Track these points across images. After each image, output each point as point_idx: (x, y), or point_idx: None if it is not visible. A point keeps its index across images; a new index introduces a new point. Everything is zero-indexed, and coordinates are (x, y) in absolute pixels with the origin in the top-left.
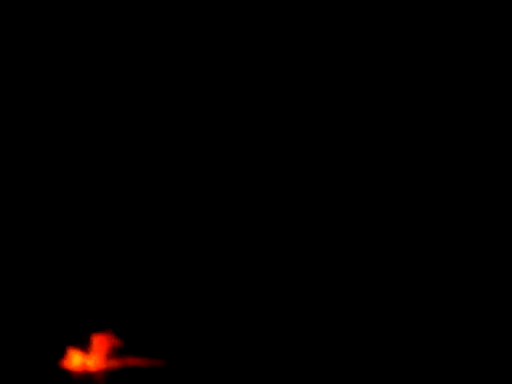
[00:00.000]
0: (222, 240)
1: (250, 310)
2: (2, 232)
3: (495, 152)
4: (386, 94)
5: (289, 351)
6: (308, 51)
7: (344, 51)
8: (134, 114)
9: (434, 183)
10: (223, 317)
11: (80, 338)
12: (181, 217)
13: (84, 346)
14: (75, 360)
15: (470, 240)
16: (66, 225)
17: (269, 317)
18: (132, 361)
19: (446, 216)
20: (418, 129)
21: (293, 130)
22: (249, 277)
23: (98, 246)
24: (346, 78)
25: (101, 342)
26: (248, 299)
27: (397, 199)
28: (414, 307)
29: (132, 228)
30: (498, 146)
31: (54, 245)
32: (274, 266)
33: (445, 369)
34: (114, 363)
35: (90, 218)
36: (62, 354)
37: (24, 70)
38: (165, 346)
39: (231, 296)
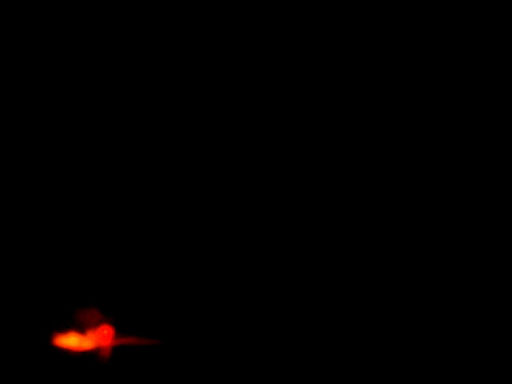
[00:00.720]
0: (222, 238)
1: (249, 299)
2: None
3: (495, 152)
4: (386, 94)
5: (287, 349)
6: (308, 51)
7: (344, 51)
8: (133, 114)
9: (434, 183)
10: (221, 300)
11: (74, 318)
12: (181, 215)
13: (79, 325)
14: (70, 340)
15: (470, 240)
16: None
17: (266, 311)
18: (128, 340)
19: (446, 216)
20: (417, 129)
21: (293, 130)
22: (248, 274)
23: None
24: (346, 78)
25: (96, 322)
26: (247, 291)
27: (397, 199)
28: (414, 307)
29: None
30: (498, 146)
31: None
32: (274, 266)
33: (445, 369)
34: (110, 342)
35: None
36: (56, 334)
37: (24, 70)
38: (161, 325)
39: (231, 283)
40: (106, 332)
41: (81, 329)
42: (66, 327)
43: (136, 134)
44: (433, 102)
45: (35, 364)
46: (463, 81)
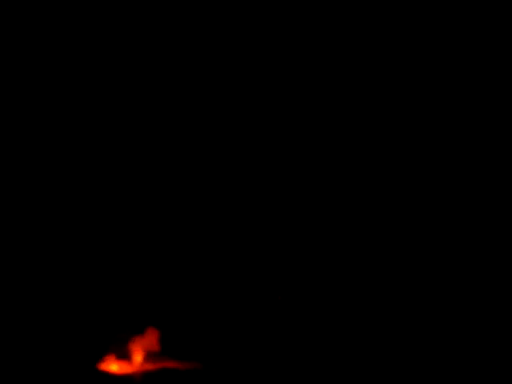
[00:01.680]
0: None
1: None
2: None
3: (495, 152)
4: (386, 94)
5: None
6: (308, 51)
7: (344, 51)
8: (133, 114)
9: (434, 183)
10: (255, 323)
11: (118, 341)
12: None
13: (122, 349)
14: (113, 363)
15: (470, 240)
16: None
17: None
18: (169, 363)
19: (446, 216)
20: (417, 129)
21: (293, 130)
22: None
23: (134, 254)
24: (346, 78)
25: (138, 345)
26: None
27: (397, 199)
28: (414, 307)
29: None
30: (498, 146)
31: (96, 252)
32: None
33: (445, 369)
34: (152, 365)
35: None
36: (100, 356)
37: (24, 70)
38: (201, 349)
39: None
40: (148, 356)
41: (124, 354)
42: (109, 352)
43: (136, 134)
44: (433, 102)
45: None
46: (463, 81)
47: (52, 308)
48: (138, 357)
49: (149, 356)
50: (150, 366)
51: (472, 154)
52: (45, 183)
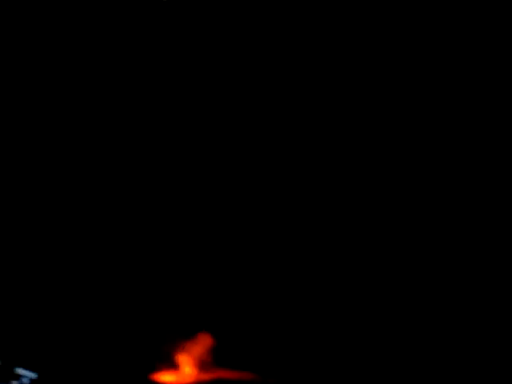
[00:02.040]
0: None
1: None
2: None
3: (495, 152)
4: (386, 94)
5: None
6: (308, 51)
7: (344, 51)
8: (134, 114)
9: (434, 183)
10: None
11: (169, 351)
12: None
13: (173, 358)
14: (166, 373)
15: (470, 240)
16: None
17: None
18: (224, 373)
19: (446, 216)
20: (418, 129)
21: (293, 130)
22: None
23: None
24: (346, 78)
25: (190, 355)
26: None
27: (397, 199)
28: (414, 307)
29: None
30: (498, 146)
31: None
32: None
33: (445, 369)
34: (205, 376)
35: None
36: (153, 367)
37: (24, 70)
38: (257, 358)
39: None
40: (201, 365)
41: (176, 364)
42: (163, 363)
43: (136, 135)
44: (433, 102)
45: None
46: (463, 81)
47: (104, 315)
48: (189, 367)
49: (201, 365)
50: (203, 376)
51: (472, 154)
52: (45, 183)
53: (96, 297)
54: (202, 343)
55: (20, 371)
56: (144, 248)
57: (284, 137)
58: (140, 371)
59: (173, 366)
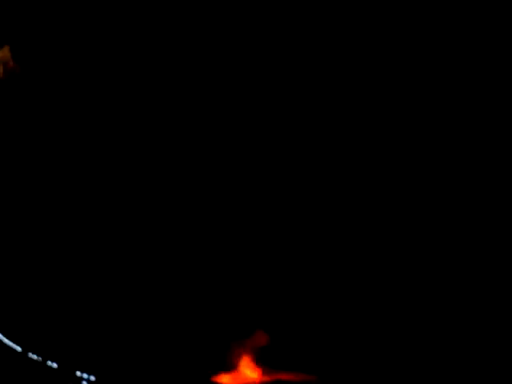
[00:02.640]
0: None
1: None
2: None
3: (495, 152)
4: (386, 94)
5: None
6: (308, 51)
7: (344, 51)
8: (134, 114)
9: (434, 183)
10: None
11: (231, 354)
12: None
13: (235, 361)
14: (228, 375)
15: (470, 240)
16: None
17: None
18: (285, 375)
19: (446, 216)
20: (417, 129)
21: (293, 131)
22: None
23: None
24: (346, 78)
25: (248, 357)
26: None
27: (397, 199)
28: (414, 307)
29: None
30: (498, 146)
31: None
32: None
33: (445, 369)
34: (266, 377)
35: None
36: (215, 370)
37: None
38: (317, 361)
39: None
40: (262, 368)
41: (233, 367)
42: (224, 365)
43: (136, 135)
44: (433, 103)
45: None
46: (463, 81)
47: (164, 319)
48: (249, 369)
49: (261, 367)
50: (263, 378)
51: (472, 154)
52: (45, 183)
53: (154, 302)
54: (260, 345)
55: (79, 374)
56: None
57: (284, 137)
58: (202, 374)
59: (233, 368)
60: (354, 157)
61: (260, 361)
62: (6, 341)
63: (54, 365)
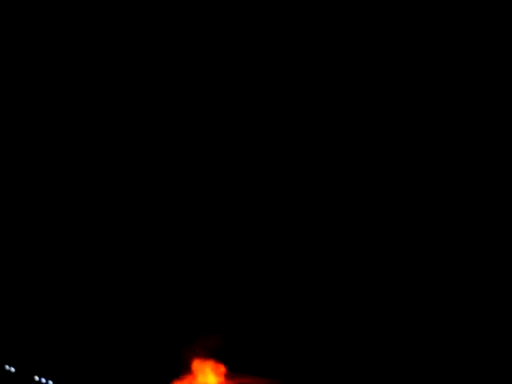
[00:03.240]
0: None
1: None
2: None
3: (495, 152)
4: (386, 94)
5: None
6: (308, 52)
7: (344, 51)
8: (134, 114)
9: (434, 183)
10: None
11: (189, 360)
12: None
13: (193, 367)
14: (186, 381)
15: (470, 240)
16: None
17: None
18: (246, 380)
19: (446, 216)
20: (417, 129)
21: (293, 131)
22: None
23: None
24: (346, 78)
25: (209, 363)
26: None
27: (397, 199)
28: (414, 307)
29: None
30: (498, 146)
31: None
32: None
33: (445, 369)
34: (228, 382)
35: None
36: (172, 376)
37: (24, 70)
38: (279, 366)
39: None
40: (220, 373)
41: (197, 372)
42: (182, 371)
43: (136, 134)
44: (433, 103)
45: None
46: (463, 81)
47: (121, 324)
48: (208, 375)
49: (219, 373)
50: (224, 383)
51: (472, 154)
52: (45, 183)
53: (111, 307)
54: (219, 349)
55: (37, 378)
56: (154, 257)
57: (284, 137)
58: (159, 380)
59: (191, 373)
60: (354, 157)
61: (220, 365)
62: None
63: (12, 369)
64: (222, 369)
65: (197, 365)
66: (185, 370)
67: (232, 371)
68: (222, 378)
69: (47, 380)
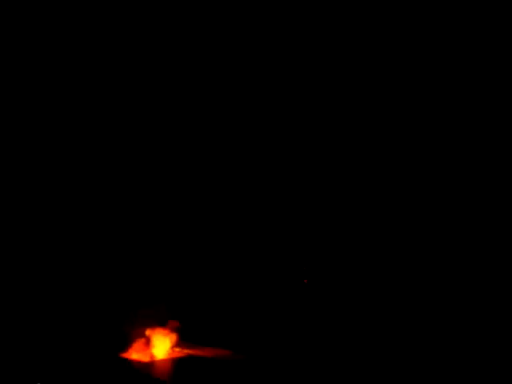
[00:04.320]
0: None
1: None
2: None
3: (495, 152)
4: (386, 94)
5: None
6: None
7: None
8: (134, 114)
9: (434, 183)
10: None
11: (142, 331)
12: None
13: (146, 338)
14: (136, 352)
15: (470, 240)
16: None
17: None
18: (197, 351)
19: (446, 216)
20: (417, 129)
21: (292, 131)
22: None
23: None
24: (346, 78)
25: (164, 333)
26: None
27: (397, 199)
28: (414, 307)
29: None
30: (498, 146)
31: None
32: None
33: (445, 369)
34: (177, 353)
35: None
36: (126, 344)
37: (24, 71)
38: (230, 336)
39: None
40: (172, 344)
41: (145, 342)
42: (130, 340)
43: (136, 134)
44: (433, 102)
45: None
46: (463, 81)
47: (75, 300)
48: (160, 345)
49: (171, 343)
50: (173, 354)
51: (472, 154)
52: (45, 183)
53: (67, 283)
54: (171, 323)
55: None
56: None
57: (283, 137)
58: (112, 350)
59: (144, 344)
60: (353, 157)
61: (172, 336)
62: None
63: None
64: (175, 337)
65: (150, 334)
66: (138, 339)
67: (184, 341)
68: (175, 347)
69: None
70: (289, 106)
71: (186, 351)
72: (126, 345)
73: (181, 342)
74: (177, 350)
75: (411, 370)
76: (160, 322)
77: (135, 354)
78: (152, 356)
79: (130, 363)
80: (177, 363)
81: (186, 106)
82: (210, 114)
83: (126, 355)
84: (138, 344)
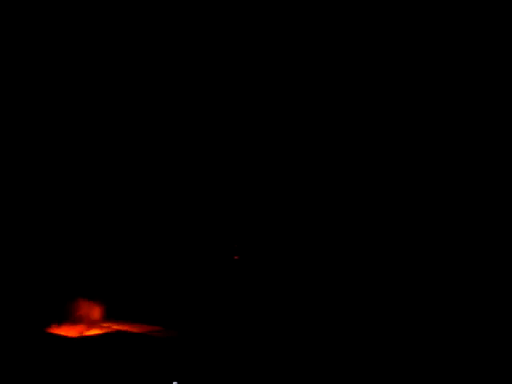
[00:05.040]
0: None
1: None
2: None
3: (495, 152)
4: (386, 94)
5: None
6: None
7: (344, 51)
8: (134, 114)
9: (434, 184)
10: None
11: (67, 307)
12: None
13: (75, 312)
14: (63, 327)
15: (470, 240)
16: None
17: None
18: (126, 327)
19: (446, 216)
20: (417, 129)
21: (292, 131)
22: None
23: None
24: (346, 78)
25: (92, 309)
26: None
27: (397, 200)
28: (414, 307)
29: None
30: (498, 146)
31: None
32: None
33: (445, 369)
34: (101, 329)
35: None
36: (50, 321)
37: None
38: (160, 312)
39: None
40: (97, 321)
41: (74, 319)
42: (59, 318)
43: (136, 135)
44: (433, 103)
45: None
46: (463, 81)
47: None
48: (84, 321)
49: (96, 320)
50: (97, 330)
51: (472, 154)
52: (45, 183)
53: None
54: (96, 300)
55: None
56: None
57: (283, 137)
58: (36, 325)
59: (68, 320)
60: (354, 157)
61: (101, 312)
62: None
63: None
64: (103, 313)
65: (78, 309)
66: (66, 314)
67: (112, 317)
68: (104, 323)
69: None
70: (289, 106)
71: (115, 327)
72: (54, 320)
73: (109, 319)
74: (105, 325)
75: (410, 370)
76: (89, 298)
77: (63, 329)
78: (80, 331)
79: (57, 338)
80: (105, 339)
81: (186, 106)
82: (209, 114)
83: (53, 330)
84: (66, 320)
